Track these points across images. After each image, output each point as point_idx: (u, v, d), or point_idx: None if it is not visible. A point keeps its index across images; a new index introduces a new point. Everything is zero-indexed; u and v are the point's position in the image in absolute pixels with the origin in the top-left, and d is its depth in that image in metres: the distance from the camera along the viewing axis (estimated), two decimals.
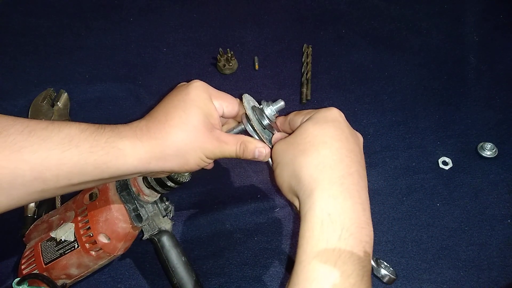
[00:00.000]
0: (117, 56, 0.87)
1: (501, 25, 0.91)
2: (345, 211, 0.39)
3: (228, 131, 0.50)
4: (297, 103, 0.79)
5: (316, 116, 0.44)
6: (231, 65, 0.83)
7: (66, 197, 0.61)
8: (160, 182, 0.52)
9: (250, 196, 0.68)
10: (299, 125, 0.44)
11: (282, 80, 0.83)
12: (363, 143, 0.47)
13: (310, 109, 0.47)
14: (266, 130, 0.49)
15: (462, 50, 0.87)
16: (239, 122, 0.50)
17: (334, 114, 0.44)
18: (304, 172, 0.40)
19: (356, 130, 0.44)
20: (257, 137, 0.47)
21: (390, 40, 0.89)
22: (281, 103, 0.48)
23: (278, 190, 0.43)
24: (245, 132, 0.48)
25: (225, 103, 0.47)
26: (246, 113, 0.47)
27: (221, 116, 0.48)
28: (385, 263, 0.41)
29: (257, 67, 0.84)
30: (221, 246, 0.64)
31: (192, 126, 0.43)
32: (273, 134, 0.48)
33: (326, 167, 0.40)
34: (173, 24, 0.92)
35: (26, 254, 0.56)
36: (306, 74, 0.82)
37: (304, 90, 0.79)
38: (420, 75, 0.83)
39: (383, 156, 0.72)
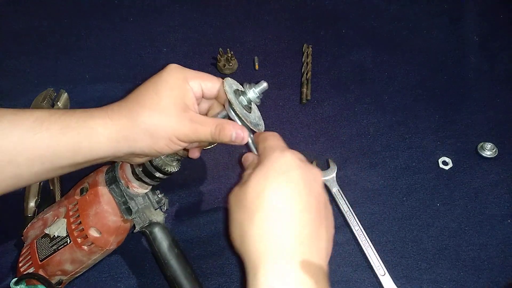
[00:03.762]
0: (117, 56, 0.87)
1: (501, 25, 0.91)
2: None
3: (213, 117, 0.49)
4: (297, 103, 0.79)
5: (266, 167, 0.39)
6: (231, 65, 0.83)
7: None
8: (147, 172, 0.51)
9: None
10: (250, 173, 0.40)
11: (282, 80, 0.83)
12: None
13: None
14: (250, 114, 0.47)
15: (462, 50, 0.87)
16: (224, 107, 0.49)
17: (286, 163, 0.39)
18: (250, 241, 0.37)
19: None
20: (239, 122, 0.46)
21: (390, 40, 0.89)
22: (264, 85, 0.47)
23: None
24: (229, 118, 0.47)
25: (204, 82, 0.46)
26: (227, 97, 0.45)
27: (203, 97, 0.47)
28: None
29: (257, 67, 0.84)
30: (221, 246, 0.64)
31: (162, 106, 0.42)
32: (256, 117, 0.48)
33: (273, 238, 0.36)
34: (173, 24, 0.92)
35: (23, 251, 0.57)
36: (306, 74, 0.82)
37: (304, 90, 0.79)
38: (420, 75, 0.83)
39: (383, 156, 0.72)
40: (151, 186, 0.55)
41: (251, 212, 0.37)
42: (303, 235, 0.37)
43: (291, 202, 0.37)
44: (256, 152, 0.46)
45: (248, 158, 0.46)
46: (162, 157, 0.51)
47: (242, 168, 0.46)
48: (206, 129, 0.44)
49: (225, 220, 0.45)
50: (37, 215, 0.63)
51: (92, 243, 0.52)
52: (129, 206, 0.53)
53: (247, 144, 0.47)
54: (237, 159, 0.72)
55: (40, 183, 0.67)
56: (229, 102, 0.46)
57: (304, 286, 0.35)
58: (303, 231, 0.37)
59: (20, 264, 0.56)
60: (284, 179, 0.38)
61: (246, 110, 0.47)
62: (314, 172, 0.41)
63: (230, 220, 0.40)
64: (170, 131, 0.43)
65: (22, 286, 0.51)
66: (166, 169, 0.51)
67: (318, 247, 0.38)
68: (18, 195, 0.66)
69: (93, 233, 0.52)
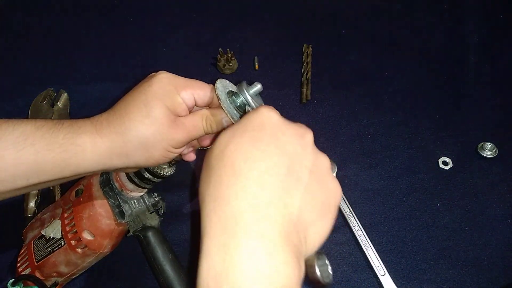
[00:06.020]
0: (117, 56, 0.87)
1: (501, 25, 0.91)
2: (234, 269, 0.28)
3: None
4: (297, 103, 0.79)
5: (236, 125, 0.35)
6: (231, 65, 0.83)
7: None
8: (140, 176, 0.50)
9: None
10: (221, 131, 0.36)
11: (282, 80, 0.83)
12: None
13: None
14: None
15: (462, 50, 0.87)
16: None
17: (258, 121, 0.34)
18: (204, 203, 0.32)
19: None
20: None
21: (390, 40, 0.89)
22: (258, 86, 0.45)
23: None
24: None
25: (195, 91, 0.45)
26: (219, 101, 0.45)
27: (196, 106, 0.46)
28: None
29: (257, 67, 0.84)
30: None
31: (153, 120, 0.41)
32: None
33: (224, 201, 0.31)
34: (173, 24, 0.92)
35: (21, 252, 0.57)
36: (306, 74, 0.82)
37: (304, 90, 0.79)
38: (420, 75, 0.83)
39: (383, 156, 0.72)
40: (146, 189, 0.54)
41: (210, 171, 0.33)
42: (261, 199, 0.30)
43: (252, 162, 0.32)
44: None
45: None
46: None
47: None
48: (199, 129, 0.45)
49: None
50: (36, 215, 0.63)
51: (86, 246, 0.52)
52: (122, 210, 0.52)
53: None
54: None
55: None
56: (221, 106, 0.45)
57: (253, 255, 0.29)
58: (262, 195, 0.31)
59: (18, 265, 0.56)
60: (250, 135, 0.33)
61: (239, 113, 0.46)
62: (299, 132, 0.35)
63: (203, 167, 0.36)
64: (166, 143, 0.42)
65: (19, 287, 0.51)
66: (159, 173, 0.50)
67: (282, 214, 0.31)
68: (18, 195, 0.66)
69: (86, 236, 0.52)
